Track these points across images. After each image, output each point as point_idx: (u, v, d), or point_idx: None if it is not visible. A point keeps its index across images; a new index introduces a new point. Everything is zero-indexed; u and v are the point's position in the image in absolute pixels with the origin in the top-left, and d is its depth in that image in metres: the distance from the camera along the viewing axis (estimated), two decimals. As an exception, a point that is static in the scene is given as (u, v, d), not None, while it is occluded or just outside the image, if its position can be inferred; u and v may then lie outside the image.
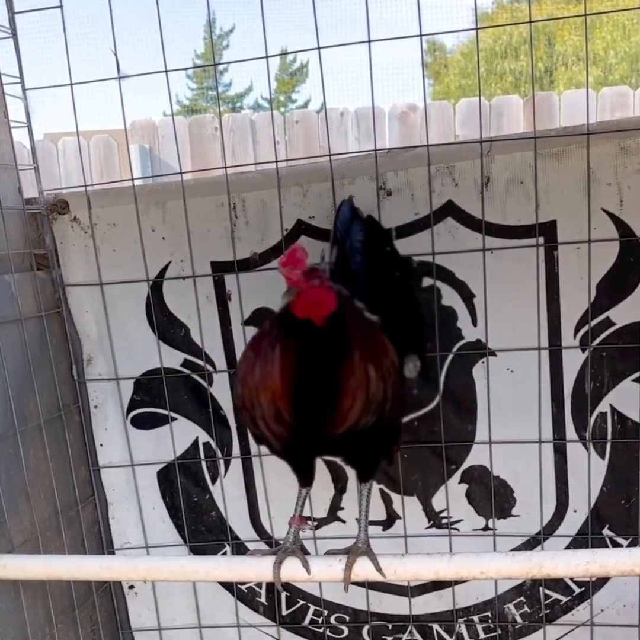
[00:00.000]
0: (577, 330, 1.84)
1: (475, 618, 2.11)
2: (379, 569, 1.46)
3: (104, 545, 2.18)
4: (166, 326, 2.03)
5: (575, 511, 1.96)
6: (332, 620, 2.18)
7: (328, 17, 1.72)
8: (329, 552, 1.56)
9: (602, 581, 2.00)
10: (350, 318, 1.36)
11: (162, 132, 4.37)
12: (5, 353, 1.78)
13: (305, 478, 1.58)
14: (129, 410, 2.10)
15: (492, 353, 1.89)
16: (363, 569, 1.49)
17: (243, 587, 2.20)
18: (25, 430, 1.84)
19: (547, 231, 1.79)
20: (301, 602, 2.19)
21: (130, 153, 4.20)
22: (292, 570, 1.51)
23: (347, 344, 1.33)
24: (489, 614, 2.09)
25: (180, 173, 1.93)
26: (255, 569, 1.55)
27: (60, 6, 1.92)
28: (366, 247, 1.70)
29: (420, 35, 1.72)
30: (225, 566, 1.60)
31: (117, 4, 1.84)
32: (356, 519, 1.55)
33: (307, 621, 2.20)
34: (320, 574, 1.53)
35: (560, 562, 1.43)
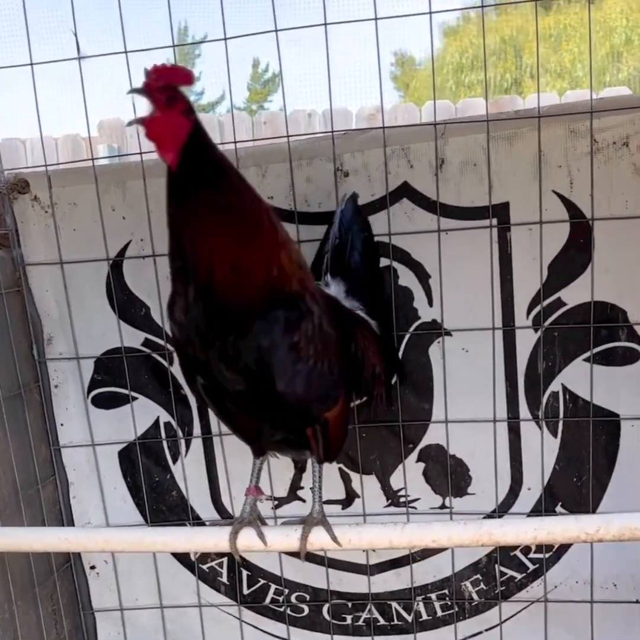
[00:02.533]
0: (529, 311, 1.90)
1: (433, 596, 2.17)
2: (334, 538, 1.49)
3: (65, 524, 2.21)
4: (127, 305, 2.07)
5: (529, 489, 2.02)
6: (293, 599, 2.24)
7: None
8: (285, 523, 1.61)
9: (555, 557, 2.07)
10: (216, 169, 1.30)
11: (130, 131, 4.38)
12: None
13: (255, 446, 1.61)
14: (90, 390, 2.14)
15: (448, 333, 1.95)
16: (318, 538, 1.52)
17: (205, 567, 2.25)
18: (-17, 406, 1.88)
19: (500, 212, 1.85)
20: (262, 581, 2.24)
21: (99, 153, 4.22)
22: (249, 540, 1.54)
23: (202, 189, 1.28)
24: (446, 591, 2.16)
25: (140, 153, 1.96)
26: (213, 540, 1.58)
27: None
28: (365, 249, 1.74)
29: (376, 19, 1.76)
30: (183, 537, 1.63)
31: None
32: (310, 488, 1.59)
33: (268, 600, 2.25)
34: (277, 544, 1.56)
35: (509, 529, 1.48)
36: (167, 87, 1.28)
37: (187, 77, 1.30)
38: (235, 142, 1.92)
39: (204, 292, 1.30)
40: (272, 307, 1.32)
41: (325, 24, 1.78)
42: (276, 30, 1.81)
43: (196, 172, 1.31)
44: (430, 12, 1.71)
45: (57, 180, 2.02)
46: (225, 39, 1.85)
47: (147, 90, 1.29)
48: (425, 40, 1.75)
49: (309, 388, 1.40)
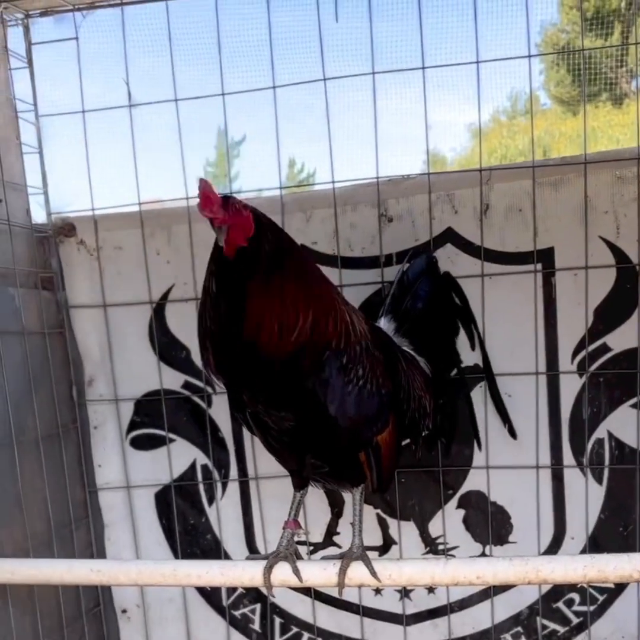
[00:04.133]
0: (574, 356, 1.77)
1: (472, 648, 1.97)
2: (373, 573, 1.35)
3: (98, 568, 2.04)
4: (167, 348, 1.96)
5: (572, 538, 1.85)
6: (326, 648, 2.04)
7: (339, 130, 1.72)
8: (324, 558, 1.46)
9: (599, 611, 1.88)
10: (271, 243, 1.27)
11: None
12: (5, 363, 1.69)
13: (297, 478, 1.48)
14: (129, 431, 2.00)
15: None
16: (357, 573, 1.37)
17: (236, 613, 2.07)
18: (22, 442, 1.74)
19: (545, 258, 1.74)
20: (295, 629, 2.05)
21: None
22: (284, 575, 1.40)
23: (262, 266, 1.24)
24: (485, 644, 1.96)
25: (187, 198, 1.87)
26: (248, 573, 1.43)
27: (76, 38, 1.89)
28: (430, 299, 1.68)
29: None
30: (217, 570, 1.47)
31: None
32: (350, 523, 1.44)
33: (300, 649, 2.06)
34: (314, 579, 1.41)
35: (557, 566, 1.33)
36: (223, 203, 1.23)
37: (208, 182, 1.24)
38: (280, 188, 1.82)
39: (251, 350, 1.24)
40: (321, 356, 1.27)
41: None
42: (325, 78, 1.73)
43: (262, 256, 1.26)
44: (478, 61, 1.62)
45: (104, 224, 1.93)
46: (274, 87, 1.78)
47: (227, 222, 1.23)
48: (457, 142, 1.69)
49: (359, 409, 1.33)
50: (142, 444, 1.99)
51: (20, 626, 1.71)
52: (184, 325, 1.94)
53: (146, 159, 1.86)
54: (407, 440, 1.63)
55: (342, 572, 1.36)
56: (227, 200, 1.23)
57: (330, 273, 1.83)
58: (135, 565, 1.55)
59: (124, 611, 2.10)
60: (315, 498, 1.95)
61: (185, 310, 1.93)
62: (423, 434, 1.61)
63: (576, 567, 1.32)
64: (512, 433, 1.80)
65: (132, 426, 1.99)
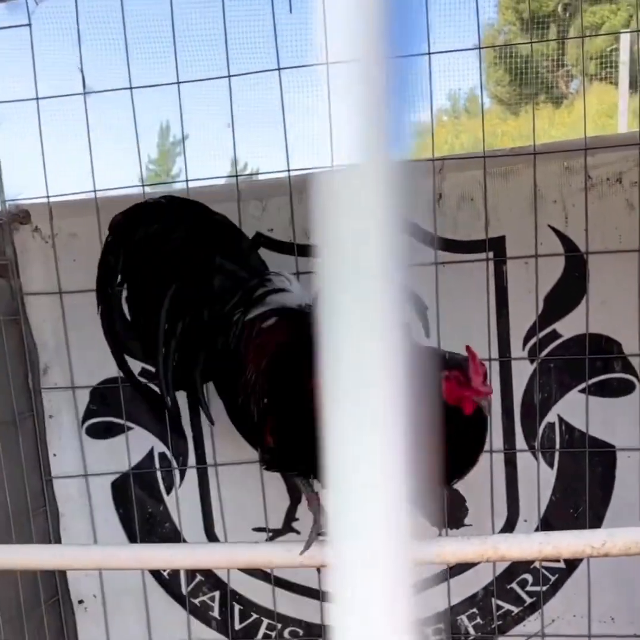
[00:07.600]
0: (525, 342, 1.79)
1: (428, 630, 1.99)
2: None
3: (55, 557, 2.01)
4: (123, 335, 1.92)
5: (525, 521, 1.88)
6: (286, 634, 2.05)
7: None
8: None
9: (552, 591, 1.91)
10: None
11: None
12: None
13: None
14: (85, 420, 1.97)
15: (444, 364, 1.81)
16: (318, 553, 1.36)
17: (196, 601, 2.06)
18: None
19: (497, 246, 1.76)
20: (254, 616, 2.05)
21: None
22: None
23: None
24: (441, 625, 1.98)
25: (143, 185, 1.85)
26: (215, 556, 1.44)
27: (29, 25, 1.85)
28: None
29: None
30: (185, 552, 1.48)
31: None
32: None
33: (260, 635, 2.06)
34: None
35: (514, 543, 1.36)
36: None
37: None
38: (237, 176, 1.81)
39: None
40: None
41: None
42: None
43: None
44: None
45: (59, 212, 1.90)
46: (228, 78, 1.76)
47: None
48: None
49: None
50: (99, 432, 1.97)
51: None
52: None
53: (102, 147, 1.84)
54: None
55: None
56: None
57: (287, 260, 1.84)
58: (99, 549, 1.55)
59: (81, 602, 2.08)
60: (274, 486, 1.94)
61: (142, 298, 1.90)
62: None
63: (532, 544, 1.34)
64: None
65: (88, 415, 1.97)
